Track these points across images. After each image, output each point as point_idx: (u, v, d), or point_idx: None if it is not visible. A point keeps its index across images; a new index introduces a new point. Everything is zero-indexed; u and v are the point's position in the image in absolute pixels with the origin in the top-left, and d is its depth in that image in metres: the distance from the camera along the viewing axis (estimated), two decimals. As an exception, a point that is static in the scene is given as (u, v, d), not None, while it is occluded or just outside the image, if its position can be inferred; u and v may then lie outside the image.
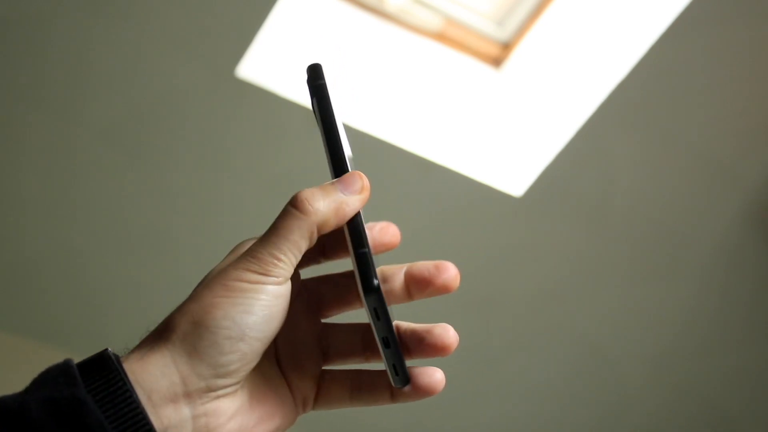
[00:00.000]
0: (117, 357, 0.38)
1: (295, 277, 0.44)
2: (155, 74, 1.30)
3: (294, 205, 0.40)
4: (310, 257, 0.45)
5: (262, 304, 0.39)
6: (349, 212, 0.41)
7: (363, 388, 0.44)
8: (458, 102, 1.50)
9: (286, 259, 0.39)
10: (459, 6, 1.49)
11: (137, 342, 0.41)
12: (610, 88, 1.39)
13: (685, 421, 1.93)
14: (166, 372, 0.38)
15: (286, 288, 0.40)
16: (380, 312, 0.40)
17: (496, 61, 1.53)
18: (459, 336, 0.43)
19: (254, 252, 0.40)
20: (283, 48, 1.35)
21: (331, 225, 0.41)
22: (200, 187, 1.45)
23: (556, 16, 1.45)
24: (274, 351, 0.44)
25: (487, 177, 1.49)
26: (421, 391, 0.42)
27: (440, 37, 1.49)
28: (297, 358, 0.44)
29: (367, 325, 0.42)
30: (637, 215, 1.58)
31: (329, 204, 0.41)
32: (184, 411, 0.38)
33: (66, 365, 0.37)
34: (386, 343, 0.41)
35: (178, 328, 0.39)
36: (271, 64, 1.33)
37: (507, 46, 1.52)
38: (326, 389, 0.44)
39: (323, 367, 0.45)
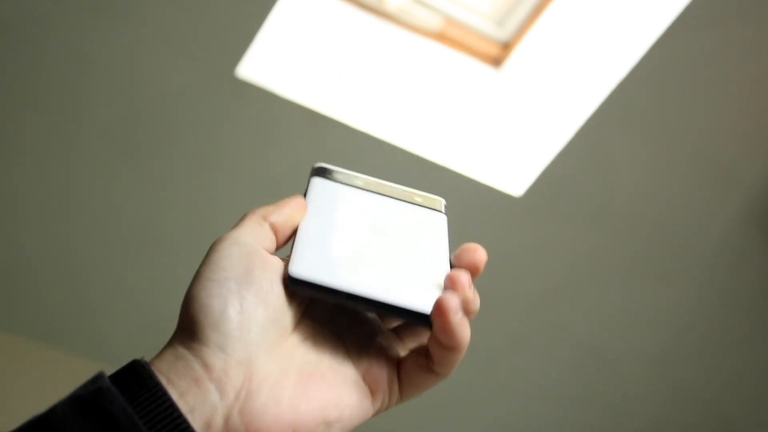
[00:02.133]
0: (146, 362, 0.38)
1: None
2: (155, 74, 1.30)
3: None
4: None
5: (228, 253, 0.40)
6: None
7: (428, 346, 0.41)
8: (458, 102, 1.50)
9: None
10: (459, 6, 1.49)
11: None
12: (610, 88, 1.39)
13: (685, 422, 1.93)
14: (179, 354, 0.37)
15: (250, 240, 0.41)
16: (327, 293, 0.39)
17: (496, 61, 1.53)
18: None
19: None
20: (283, 48, 1.35)
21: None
22: (199, 188, 1.45)
23: (556, 16, 1.45)
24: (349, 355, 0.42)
25: (487, 177, 1.49)
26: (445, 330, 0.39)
27: (440, 37, 1.49)
28: (363, 344, 0.42)
29: None
30: (637, 215, 1.58)
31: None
32: (209, 387, 0.36)
33: (95, 374, 0.37)
34: (369, 302, 0.39)
35: (178, 323, 0.39)
36: (271, 64, 1.33)
37: (507, 46, 1.52)
38: (404, 367, 0.41)
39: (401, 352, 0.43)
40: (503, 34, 1.51)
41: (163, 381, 0.36)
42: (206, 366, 0.37)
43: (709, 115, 1.46)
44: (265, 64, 1.32)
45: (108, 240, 1.49)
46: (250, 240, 0.41)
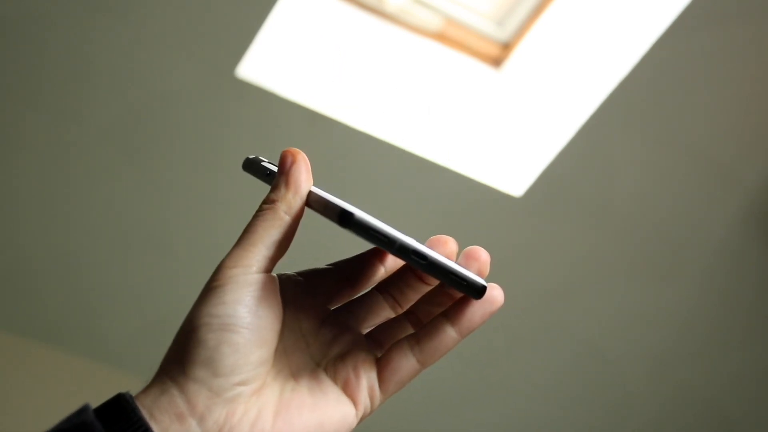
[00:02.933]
0: (131, 396, 0.38)
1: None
2: (155, 74, 1.30)
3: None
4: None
5: (233, 287, 0.38)
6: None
7: (421, 336, 0.42)
8: (458, 102, 1.50)
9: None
10: (459, 6, 1.49)
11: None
12: (611, 87, 1.38)
13: (685, 422, 1.93)
14: (165, 388, 0.37)
15: (258, 276, 0.39)
16: (382, 235, 0.38)
17: (496, 61, 1.53)
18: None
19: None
20: (283, 48, 1.35)
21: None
22: (199, 188, 1.45)
23: (556, 16, 1.45)
24: (316, 363, 0.42)
25: (487, 177, 1.49)
26: (486, 303, 0.41)
27: (440, 37, 1.49)
28: (337, 356, 0.42)
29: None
30: (637, 215, 1.58)
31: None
32: (191, 423, 0.37)
33: (80, 407, 0.37)
34: (423, 257, 0.38)
35: (168, 352, 0.39)
36: (271, 64, 1.33)
37: (507, 46, 1.52)
38: (386, 362, 0.42)
39: (378, 353, 0.43)
40: (503, 34, 1.51)
41: (146, 416, 0.36)
42: (189, 402, 0.37)
43: (709, 115, 1.46)
44: (265, 64, 1.32)
45: (108, 240, 1.49)
46: (259, 272, 0.39)
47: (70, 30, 1.23)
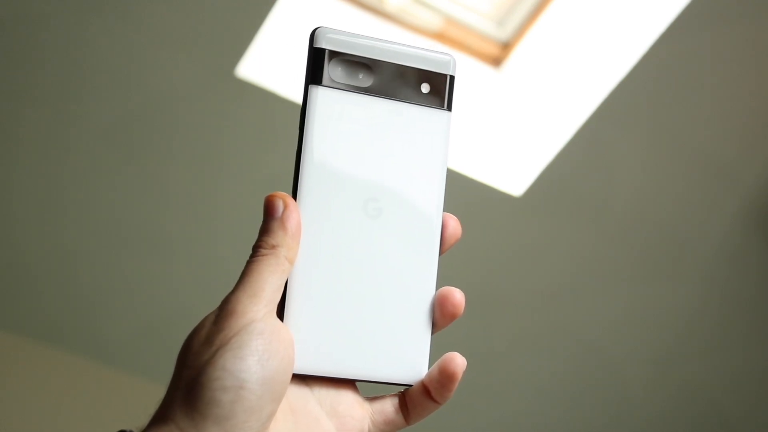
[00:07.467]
0: None
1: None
2: (154, 74, 1.30)
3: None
4: None
5: (248, 338, 0.38)
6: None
7: (407, 395, 0.43)
8: (458, 102, 1.49)
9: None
10: (459, 6, 1.49)
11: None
12: (611, 87, 1.39)
13: (686, 423, 1.93)
14: None
15: (268, 324, 0.39)
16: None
17: (496, 61, 1.53)
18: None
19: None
20: (283, 48, 1.35)
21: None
22: (198, 187, 1.45)
23: (556, 16, 1.45)
24: (314, 397, 0.42)
25: (487, 177, 1.49)
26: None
27: (440, 37, 1.49)
28: (335, 393, 0.42)
29: None
30: (637, 215, 1.58)
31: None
32: None
33: None
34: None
35: (174, 394, 0.38)
36: (271, 64, 1.33)
37: (507, 46, 1.52)
38: (379, 410, 0.43)
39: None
40: (503, 34, 1.51)
41: None
42: None
43: (709, 115, 1.46)
44: (265, 64, 1.32)
45: (108, 240, 1.49)
46: (268, 319, 0.38)
47: (69, 30, 1.24)
